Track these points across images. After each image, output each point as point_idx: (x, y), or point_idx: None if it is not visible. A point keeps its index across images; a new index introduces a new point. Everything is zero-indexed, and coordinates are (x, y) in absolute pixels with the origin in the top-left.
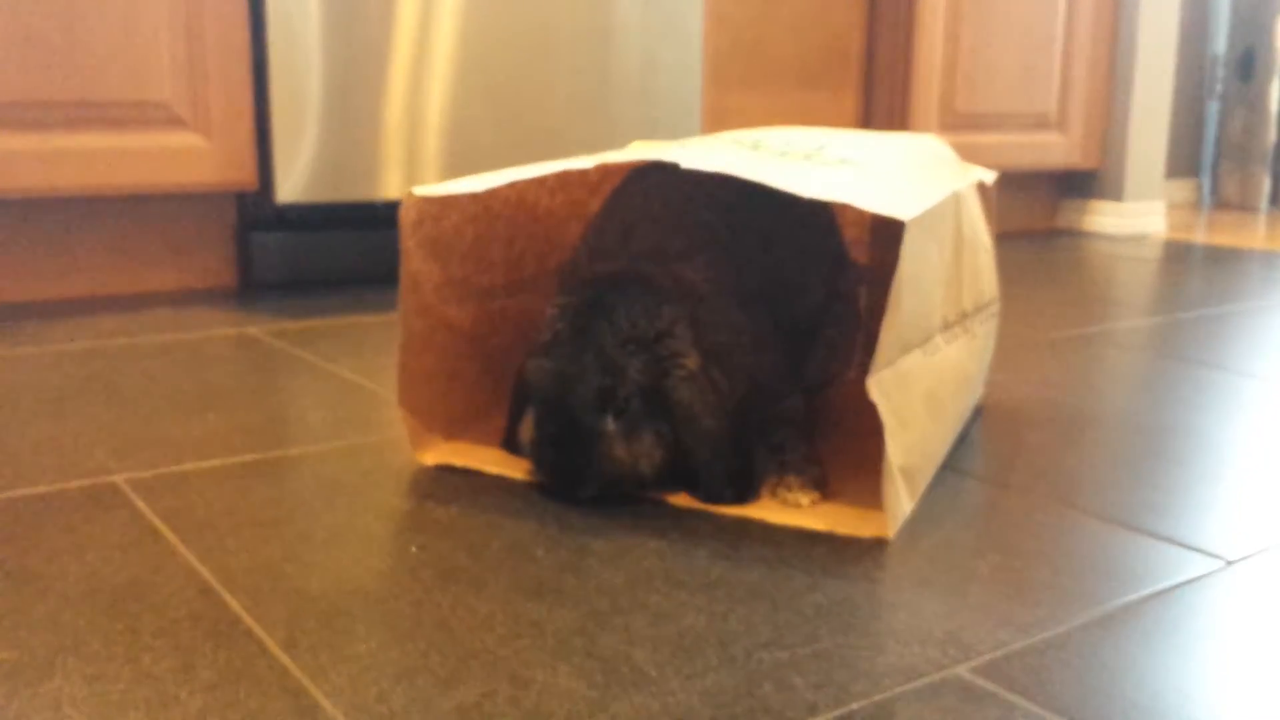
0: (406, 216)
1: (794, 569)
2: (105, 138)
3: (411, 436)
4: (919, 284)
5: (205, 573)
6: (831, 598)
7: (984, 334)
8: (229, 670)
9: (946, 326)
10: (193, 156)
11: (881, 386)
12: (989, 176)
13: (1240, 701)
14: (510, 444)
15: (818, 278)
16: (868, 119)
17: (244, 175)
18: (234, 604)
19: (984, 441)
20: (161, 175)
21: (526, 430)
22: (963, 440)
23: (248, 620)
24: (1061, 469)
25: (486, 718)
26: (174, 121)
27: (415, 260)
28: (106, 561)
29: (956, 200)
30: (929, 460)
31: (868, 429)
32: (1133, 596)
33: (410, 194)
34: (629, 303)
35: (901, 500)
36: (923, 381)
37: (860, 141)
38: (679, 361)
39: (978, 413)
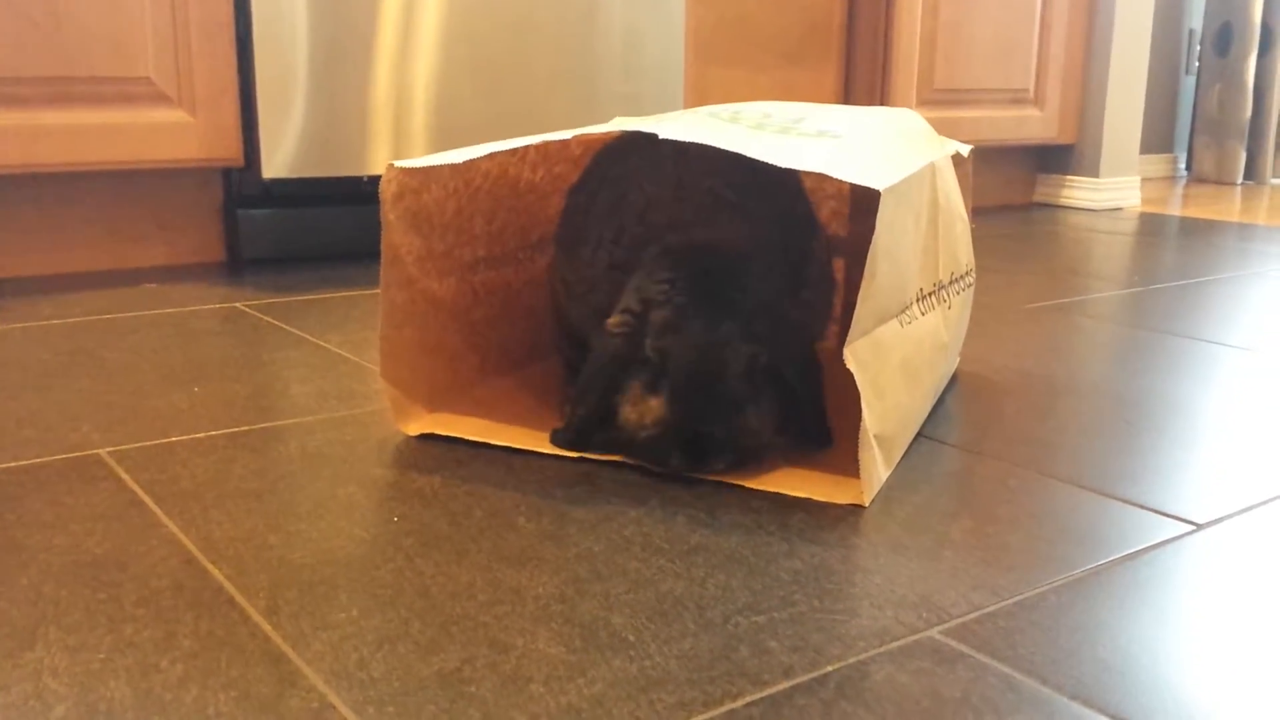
0: (387, 189)
1: (771, 535)
2: (89, 114)
3: (394, 408)
4: (894, 254)
5: (188, 543)
6: (808, 563)
7: (959, 304)
8: (210, 639)
9: (922, 297)
10: (177, 132)
11: (858, 356)
12: (965, 149)
13: (1210, 662)
14: (571, 435)
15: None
16: (848, 94)
17: (229, 151)
18: (216, 574)
19: (959, 409)
20: (146, 151)
21: (633, 409)
22: (938, 408)
23: (230, 589)
24: (1035, 436)
25: (466, 683)
26: (158, 97)
27: (396, 233)
28: (89, 533)
29: (932, 171)
30: (905, 428)
31: (841, 398)
32: (1104, 560)
33: (391, 166)
34: (739, 272)
35: (878, 468)
36: (898, 351)
37: (838, 115)
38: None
39: (953, 381)
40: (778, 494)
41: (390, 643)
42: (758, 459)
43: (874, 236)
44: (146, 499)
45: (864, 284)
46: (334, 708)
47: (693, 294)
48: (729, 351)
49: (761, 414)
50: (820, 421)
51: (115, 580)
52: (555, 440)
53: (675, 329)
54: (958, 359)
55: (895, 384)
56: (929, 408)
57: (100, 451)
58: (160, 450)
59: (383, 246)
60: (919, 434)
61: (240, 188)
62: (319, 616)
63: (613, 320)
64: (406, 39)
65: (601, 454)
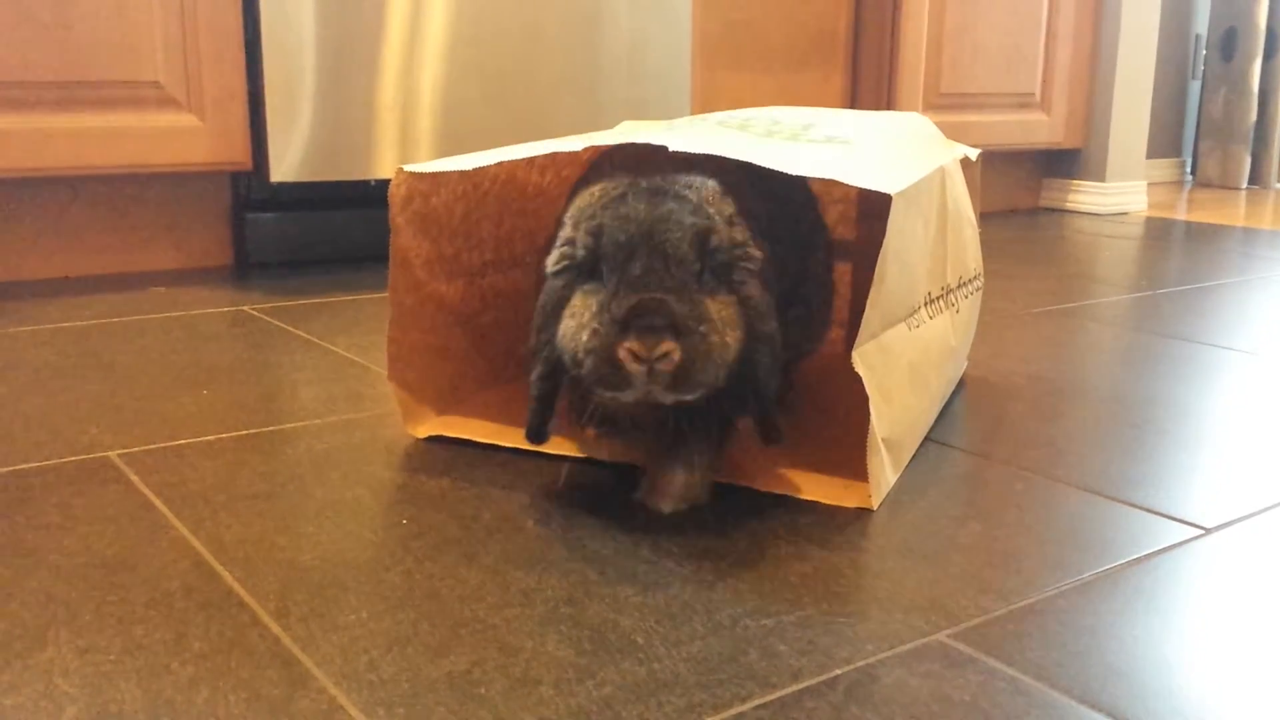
0: (396, 193)
1: (780, 539)
2: (98, 117)
3: (402, 410)
4: (903, 258)
5: (198, 545)
6: (816, 566)
7: (967, 308)
8: (221, 641)
9: (930, 300)
10: (186, 136)
11: (866, 360)
12: (973, 153)
13: (1218, 666)
14: (535, 421)
15: (800, 252)
16: (854, 100)
17: (237, 155)
18: (226, 576)
19: (967, 414)
20: (155, 155)
21: (571, 319)
22: (946, 412)
23: (240, 591)
24: (1042, 440)
25: (475, 685)
26: (167, 101)
27: (405, 236)
28: (99, 535)
29: (942, 175)
30: (912, 432)
31: (849, 401)
32: (1112, 564)
33: (400, 170)
34: (683, 185)
35: (886, 472)
36: (906, 354)
37: (847, 120)
38: (747, 251)
39: (960, 385)
40: (786, 497)
41: (400, 645)
42: (707, 368)
43: (885, 241)
44: (156, 501)
45: (873, 288)
46: (344, 709)
47: (628, 192)
48: (673, 221)
49: (721, 311)
50: (768, 421)
51: (125, 582)
52: (528, 437)
53: (609, 206)
54: (965, 363)
55: (903, 388)
56: (937, 411)
57: (110, 454)
58: (169, 453)
59: (391, 250)
60: (926, 438)
61: (248, 192)
62: (329, 618)
63: (549, 260)
64: (413, 44)
65: (574, 439)
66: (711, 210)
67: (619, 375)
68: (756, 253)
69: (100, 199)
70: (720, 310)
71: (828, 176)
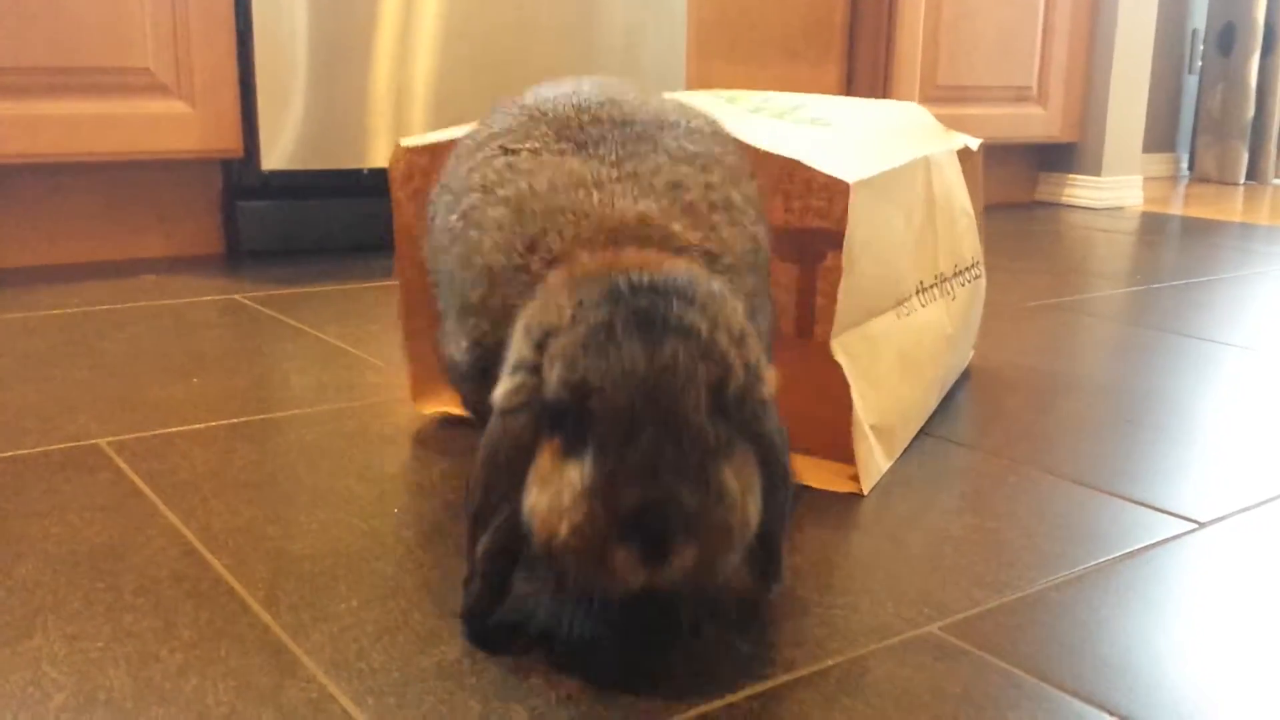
0: (395, 169)
1: None
2: (88, 104)
3: (411, 385)
4: (877, 247)
5: (187, 533)
6: (809, 558)
7: (965, 296)
8: (210, 629)
9: (922, 289)
10: (176, 123)
11: (847, 348)
12: (974, 143)
13: (1210, 659)
14: (474, 621)
15: None
16: (850, 91)
17: (228, 142)
18: (216, 564)
19: (961, 406)
20: (145, 142)
21: (542, 491)
22: (941, 405)
23: (229, 580)
24: (1037, 433)
25: (466, 675)
26: (157, 88)
27: (407, 212)
28: (88, 523)
29: (926, 165)
30: (906, 420)
31: (837, 389)
32: (1105, 558)
33: (398, 146)
34: (685, 288)
35: (875, 458)
36: (894, 342)
37: (837, 105)
38: (762, 383)
39: (965, 375)
40: None
41: (390, 634)
42: (727, 559)
43: (848, 229)
44: (146, 489)
45: (844, 277)
46: (333, 698)
47: (617, 307)
48: (684, 379)
49: (741, 472)
50: (775, 567)
51: (114, 570)
52: (468, 634)
53: (595, 350)
54: (971, 352)
55: (893, 376)
56: (936, 399)
57: (99, 441)
58: (159, 441)
59: (395, 226)
60: (921, 430)
61: (239, 179)
62: (319, 607)
63: (501, 390)
64: (407, 31)
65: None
66: (722, 340)
67: (610, 580)
68: (771, 378)
69: (90, 186)
70: (738, 474)
71: (793, 157)
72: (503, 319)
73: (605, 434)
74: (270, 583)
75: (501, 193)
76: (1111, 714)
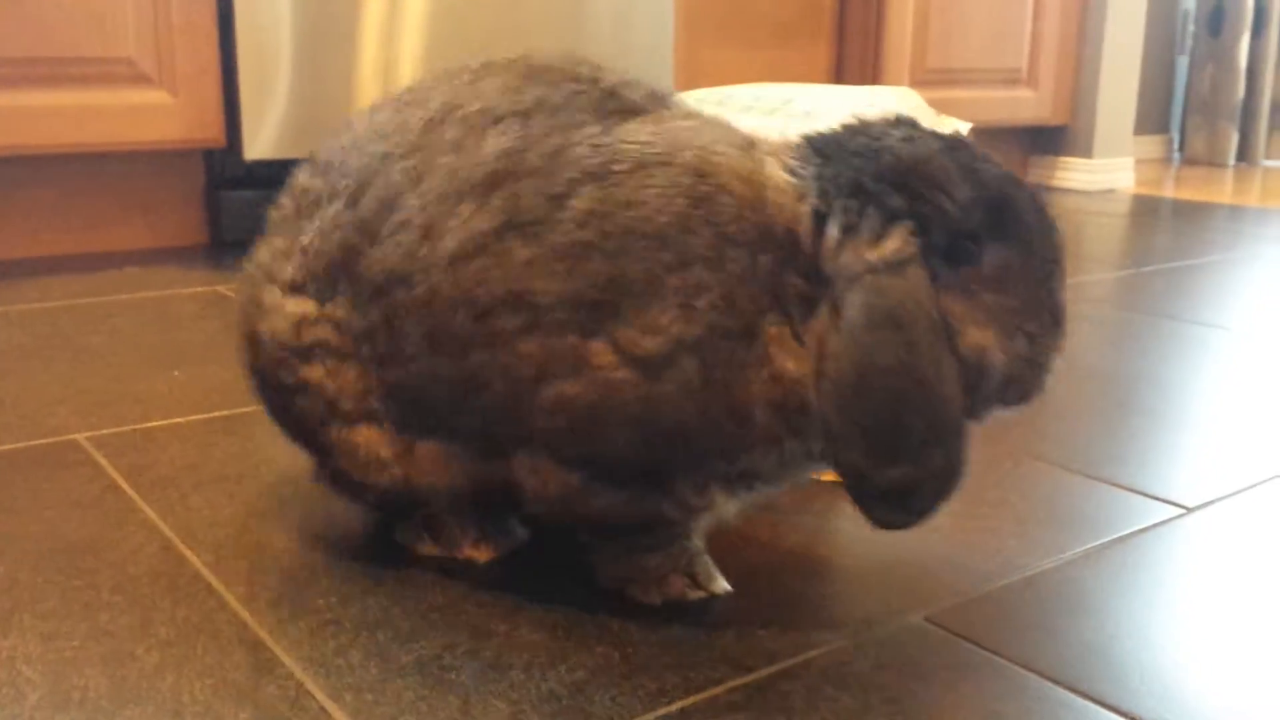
0: None
1: (757, 521)
2: (69, 95)
3: None
4: None
5: (166, 529)
6: (793, 547)
7: None
8: (187, 626)
9: None
10: (159, 113)
11: None
12: (965, 126)
13: (1196, 645)
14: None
15: None
16: (840, 75)
17: (211, 132)
18: (194, 560)
19: None
20: (127, 133)
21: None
22: None
23: (208, 576)
24: (1025, 419)
25: (446, 670)
26: (139, 78)
27: None
28: (66, 519)
29: None
30: None
31: None
32: (1092, 544)
33: None
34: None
35: None
36: None
37: (827, 95)
38: None
39: None
40: None
41: (370, 630)
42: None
43: None
44: (124, 484)
45: None
46: (311, 695)
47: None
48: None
49: None
50: None
51: (91, 567)
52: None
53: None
54: None
55: None
56: None
57: (78, 436)
58: (139, 435)
59: None
60: None
61: (222, 169)
62: (298, 603)
63: (885, 248)
64: (392, 17)
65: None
66: None
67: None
68: None
69: (72, 177)
70: None
71: None
72: None
73: (1028, 236)
74: (249, 579)
75: None
76: (1097, 701)
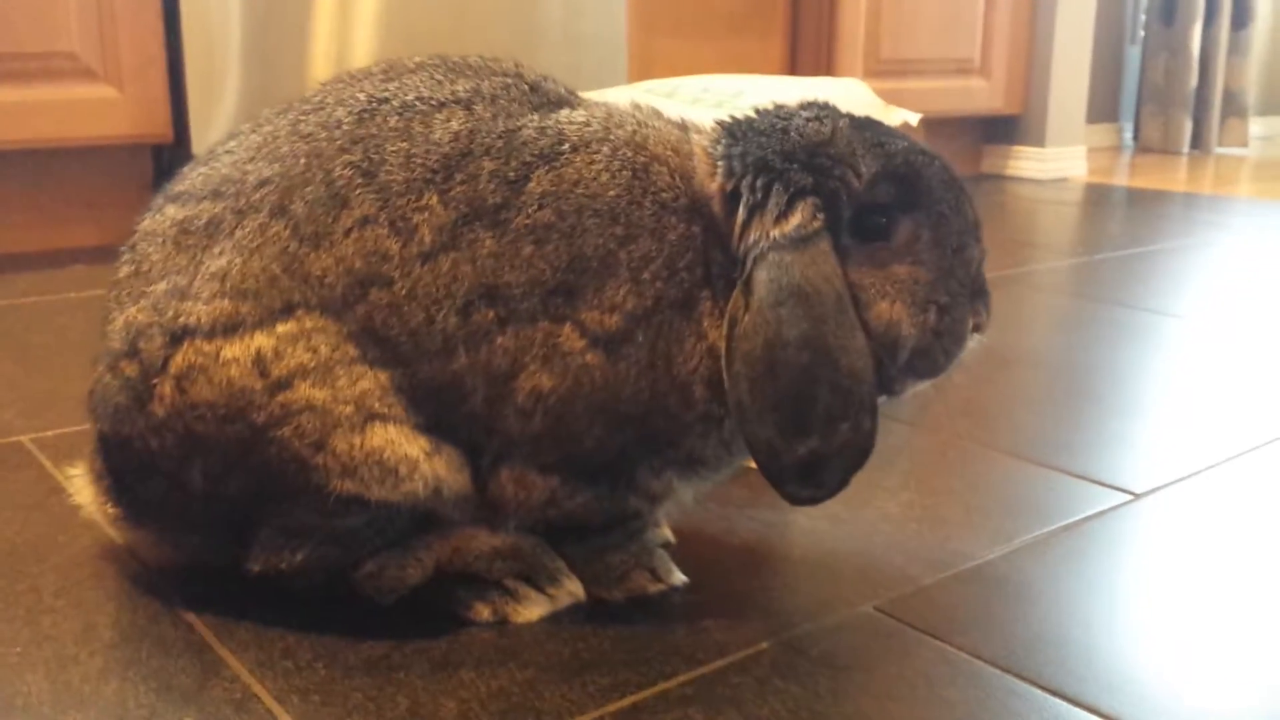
0: None
1: (709, 512)
2: (11, 91)
3: None
4: None
5: (110, 532)
6: (745, 540)
7: None
8: (132, 630)
9: None
10: (104, 108)
11: None
12: (914, 118)
13: (1143, 630)
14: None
15: None
16: (794, 66)
17: (158, 127)
18: (138, 563)
19: None
20: (72, 129)
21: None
22: None
23: (152, 579)
24: (976, 408)
25: (395, 669)
26: (83, 73)
27: None
28: (8, 522)
29: None
30: None
31: None
32: (1041, 531)
33: None
34: None
35: None
36: None
37: (778, 86)
38: None
39: None
40: None
41: (317, 629)
42: None
43: None
44: (68, 487)
45: None
46: (257, 698)
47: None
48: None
49: None
50: None
51: (34, 571)
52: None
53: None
54: None
55: None
56: None
57: (22, 438)
58: (84, 437)
59: None
60: None
61: (171, 164)
62: (245, 607)
63: (789, 223)
64: (344, 8)
65: None
66: None
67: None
68: None
69: (16, 175)
70: None
71: None
72: None
73: (939, 208)
74: (194, 582)
75: None
76: (1045, 689)
